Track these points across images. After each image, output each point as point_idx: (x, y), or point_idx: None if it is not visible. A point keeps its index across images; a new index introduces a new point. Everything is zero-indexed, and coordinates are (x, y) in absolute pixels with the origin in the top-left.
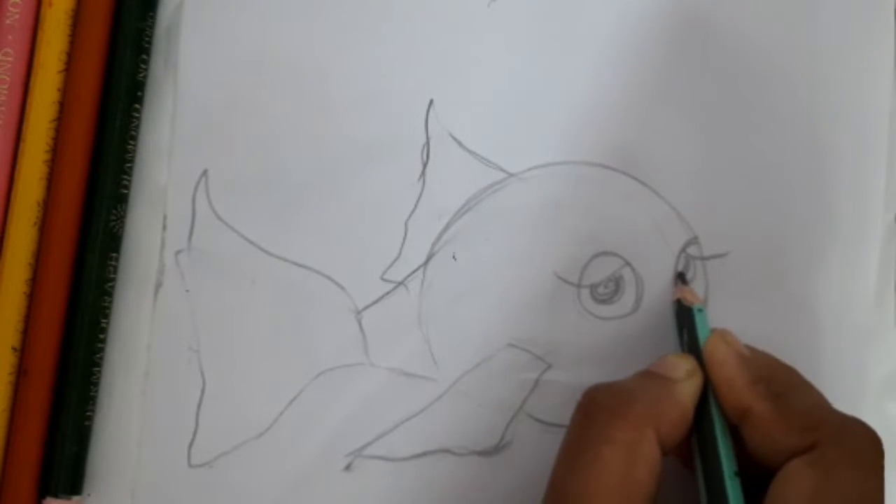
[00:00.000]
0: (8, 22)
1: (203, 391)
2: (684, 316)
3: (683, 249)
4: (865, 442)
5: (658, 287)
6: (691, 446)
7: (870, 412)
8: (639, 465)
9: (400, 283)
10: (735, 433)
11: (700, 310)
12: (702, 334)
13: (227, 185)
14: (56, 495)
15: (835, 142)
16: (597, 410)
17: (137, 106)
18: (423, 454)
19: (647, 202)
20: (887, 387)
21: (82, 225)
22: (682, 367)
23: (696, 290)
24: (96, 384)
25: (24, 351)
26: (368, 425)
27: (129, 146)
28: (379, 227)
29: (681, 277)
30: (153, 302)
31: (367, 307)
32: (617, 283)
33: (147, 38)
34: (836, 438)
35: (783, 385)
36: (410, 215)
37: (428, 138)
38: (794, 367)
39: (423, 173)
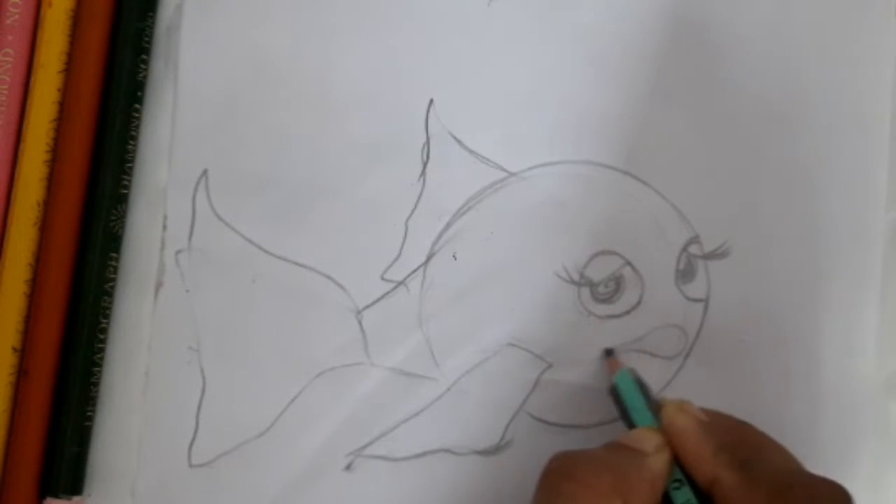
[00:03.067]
0: (8, 22)
1: (203, 391)
2: (615, 393)
3: (684, 248)
4: (839, 501)
5: (659, 286)
6: None
7: (871, 412)
8: None
9: (400, 283)
10: (707, 500)
11: (623, 373)
12: (628, 399)
13: (227, 185)
14: (56, 495)
15: (836, 141)
16: (564, 479)
17: (137, 106)
18: (424, 454)
19: (647, 201)
20: (890, 387)
21: (82, 225)
22: (652, 441)
23: (697, 289)
24: (96, 384)
25: (24, 351)
26: (368, 425)
27: (129, 146)
28: (379, 226)
29: (607, 353)
30: (153, 302)
31: (367, 307)
32: (617, 283)
33: (147, 39)
34: (810, 501)
35: (747, 450)
36: (410, 215)
37: (428, 138)
38: (751, 425)
39: (423, 173)
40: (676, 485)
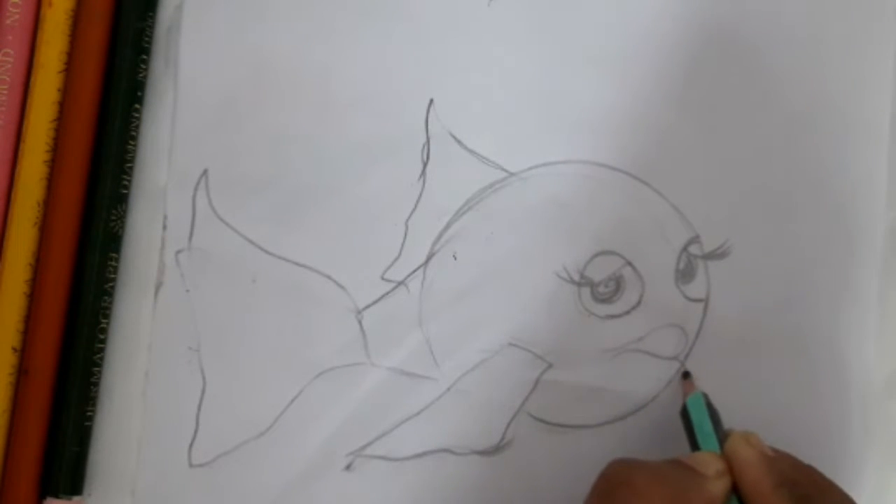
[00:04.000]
0: (8, 22)
1: (203, 391)
2: (686, 414)
3: (685, 248)
4: None
5: (659, 286)
6: None
7: (873, 411)
8: None
9: (400, 283)
10: None
11: (696, 397)
12: (697, 422)
13: (227, 184)
14: (56, 495)
15: (836, 141)
16: (621, 486)
17: (137, 106)
18: (424, 454)
19: (647, 201)
20: (891, 386)
21: (82, 225)
22: (714, 466)
23: (698, 289)
24: (96, 384)
25: (24, 351)
26: (369, 425)
27: (129, 146)
28: (379, 226)
29: (684, 376)
30: (153, 302)
31: (367, 307)
32: (617, 283)
33: (147, 39)
34: None
35: (807, 488)
36: (410, 215)
37: (428, 138)
38: (814, 468)
39: (423, 173)
40: None
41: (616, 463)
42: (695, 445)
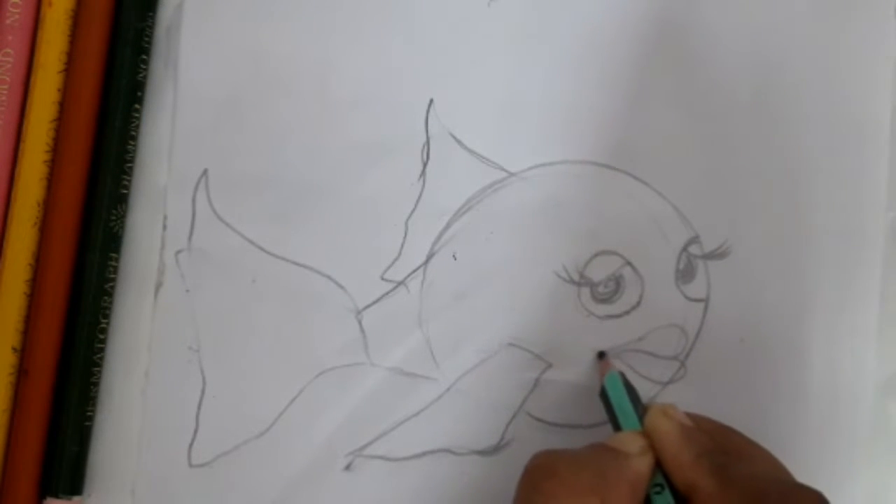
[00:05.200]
0: (8, 22)
1: (203, 391)
2: (604, 395)
3: (684, 248)
4: None
5: (659, 286)
6: None
7: (871, 412)
8: None
9: (400, 283)
10: None
11: (612, 376)
12: (616, 402)
13: (227, 185)
14: (56, 495)
15: (836, 141)
16: (544, 477)
17: (137, 106)
18: (424, 454)
19: (647, 201)
20: (890, 386)
21: (82, 225)
22: (637, 443)
23: (697, 289)
24: (96, 384)
25: (24, 351)
26: (368, 425)
27: (129, 146)
28: (379, 226)
29: (599, 355)
30: (153, 302)
31: (367, 307)
32: (617, 283)
33: (147, 39)
34: None
35: (727, 455)
36: (410, 215)
37: (428, 138)
38: (734, 429)
39: (423, 173)
40: (658, 489)
41: (538, 455)
42: (616, 425)
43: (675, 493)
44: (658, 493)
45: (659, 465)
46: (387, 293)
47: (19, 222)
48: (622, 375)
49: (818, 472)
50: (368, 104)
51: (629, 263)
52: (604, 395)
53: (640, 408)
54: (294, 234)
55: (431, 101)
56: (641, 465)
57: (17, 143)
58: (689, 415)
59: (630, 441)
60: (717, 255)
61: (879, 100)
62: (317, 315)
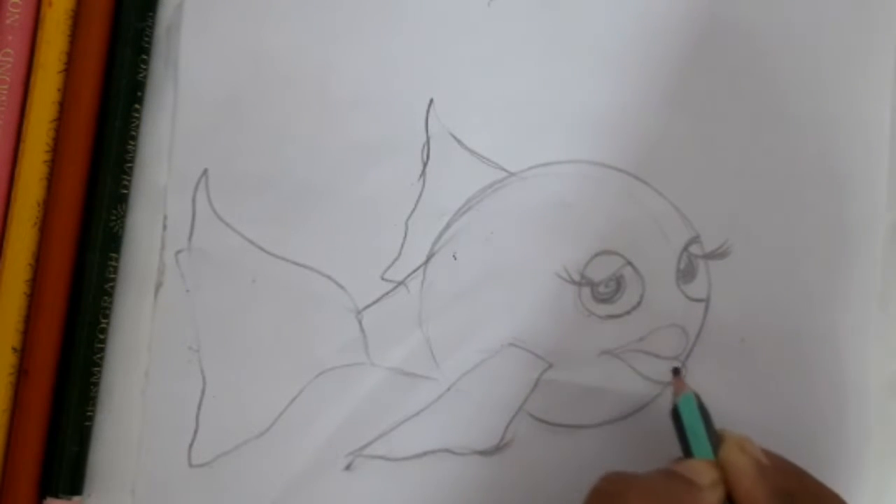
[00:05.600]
0: (8, 22)
1: (203, 391)
2: (677, 415)
3: (685, 248)
4: None
5: (660, 286)
6: None
7: (874, 412)
8: None
9: (400, 283)
10: None
11: (687, 398)
12: (689, 425)
13: (227, 185)
14: (56, 495)
15: (836, 142)
16: (614, 502)
17: (137, 106)
18: (424, 454)
19: (648, 201)
20: (891, 386)
21: (82, 225)
22: (708, 476)
23: (698, 289)
24: (96, 384)
25: (24, 351)
26: (369, 425)
27: (129, 146)
28: (379, 226)
29: (675, 372)
30: (153, 302)
31: (367, 307)
32: (618, 283)
33: (147, 38)
34: None
35: (801, 498)
36: (410, 215)
37: (428, 138)
38: (806, 472)
39: (423, 173)
40: None
41: (609, 478)
42: (686, 448)
43: None
44: None
45: (730, 499)
46: (387, 293)
47: (19, 222)
48: (697, 397)
49: (820, 472)
50: (368, 104)
51: (630, 263)
52: (675, 416)
53: (713, 433)
54: (294, 234)
55: (431, 101)
56: (712, 497)
57: (17, 143)
58: (764, 451)
59: (703, 471)
60: (718, 254)
61: (879, 100)
62: (317, 315)
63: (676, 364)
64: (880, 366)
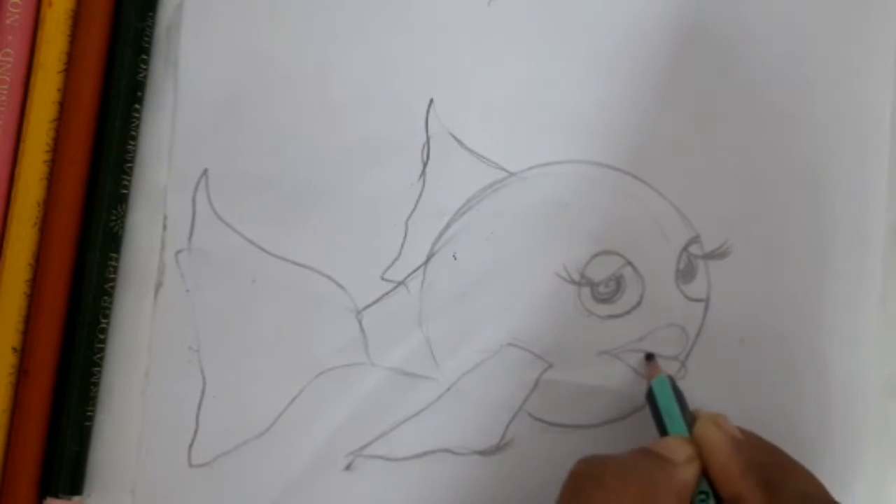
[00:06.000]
0: (8, 22)
1: (203, 391)
2: (651, 397)
3: (685, 248)
4: None
5: (659, 286)
6: None
7: (873, 412)
8: None
9: (400, 283)
10: None
11: (661, 380)
12: (663, 405)
13: (227, 184)
14: (56, 495)
15: (836, 142)
16: (590, 484)
17: (137, 106)
18: (424, 454)
19: (648, 201)
20: (890, 386)
21: (82, 225)
22: (684, 451)
23: (698, 289)
24: (96, 384)
25: (24, 351)
26: (369, 425)
27: (129, 146)
28: (379, 226)
29: (648, 357)
30: (153, 302)
31: (367, 307)
32: (618, 282)
33: (147, 38)
34: None
35: (775, 471)
36: (410, 215)
37: (428, 138)
38: (780, 448)
39: (423, 173)
40: (702, 497)
41: (584, 461)
42: (662, 429)
43: (720, 503)
44: (703, 500)
45: (705, 475)
46: (387, 293)
47: (19, 222)
48: (671, 379)
49: (819, 471)
50: (368, 104)
51: (629, 263)
52: (650, 398)
53: (688, 414)
54: (294, 234)
55: (431, 101)
56: (688, 473)
57: (17, 143)
58: (740, 429)
59: (677, 448)
60: (718, 254)
61: (879, 100)
62: (317, 315)
63: (678, 364)
64: (880, 366)
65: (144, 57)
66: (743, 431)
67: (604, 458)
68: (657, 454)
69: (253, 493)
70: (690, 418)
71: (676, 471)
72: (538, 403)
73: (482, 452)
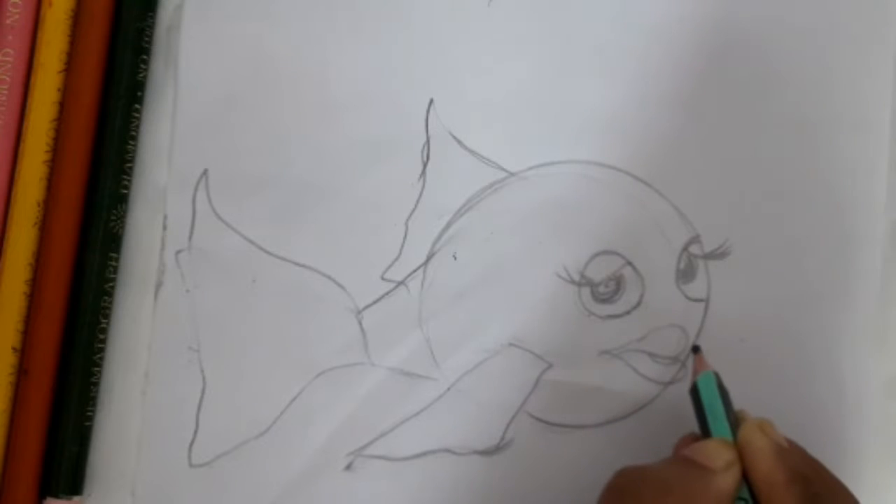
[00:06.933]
0: (8, 22)
1: (203, 391)
2: (698, 392)
3: (685, 248)
4: None
5: (659, 286)
6: None
7: (874, 412)
8: None
9: (400, 283)
10: None
11: (707, 376)
12: (708, 403)
13: (228, 184)
14: (56, 495)
15: (836, 141)
16: (628, 499)
17: (137, 106)
18: (424, 454)
19: (648, 201)
20: (890, 386)
21: (82, 225)
22: (723, 457)
23: (698, 289)
24: (96, 384)
25: (24, 351)
26: (369, 425)
27: (129, 146)
28: (379, 226)
29: (694, 350)
30: (153, 302)
31: (367, 307)
32: (618, 282)
33: (147, 39)
34: None
35: (818, 486)
36: (411, 215)
37: (428, 138)
38: (824, 465)
39: (423, 173)
40: (741, 503)
41: (621, 474)
42: (704, 427)
43: None
44: None
45: (746, 481)
46: (387, 293)
47: (19, 222)
48: (717, 376)
49: None
50: (368, 104)
51: (629, 263)
52: (694, 394)
53: (732, 413)
54: (294, 234)
55: (431, 101)
56: (727, 481)
57: (18, 143)
58: (784, 438)
59: (717, 454)
60: (718, 255)
61: (879, 100)
62: (317, 315)
63: (678, 364)
64: (879, 366)
65: (144, 57)
66: (789, 441)
67: (641, 469)
68: (695, 462)
69: (253, 493)
70: (734, 418)
71: (716, 479)
72: (538, 403)
73: (482, 452)
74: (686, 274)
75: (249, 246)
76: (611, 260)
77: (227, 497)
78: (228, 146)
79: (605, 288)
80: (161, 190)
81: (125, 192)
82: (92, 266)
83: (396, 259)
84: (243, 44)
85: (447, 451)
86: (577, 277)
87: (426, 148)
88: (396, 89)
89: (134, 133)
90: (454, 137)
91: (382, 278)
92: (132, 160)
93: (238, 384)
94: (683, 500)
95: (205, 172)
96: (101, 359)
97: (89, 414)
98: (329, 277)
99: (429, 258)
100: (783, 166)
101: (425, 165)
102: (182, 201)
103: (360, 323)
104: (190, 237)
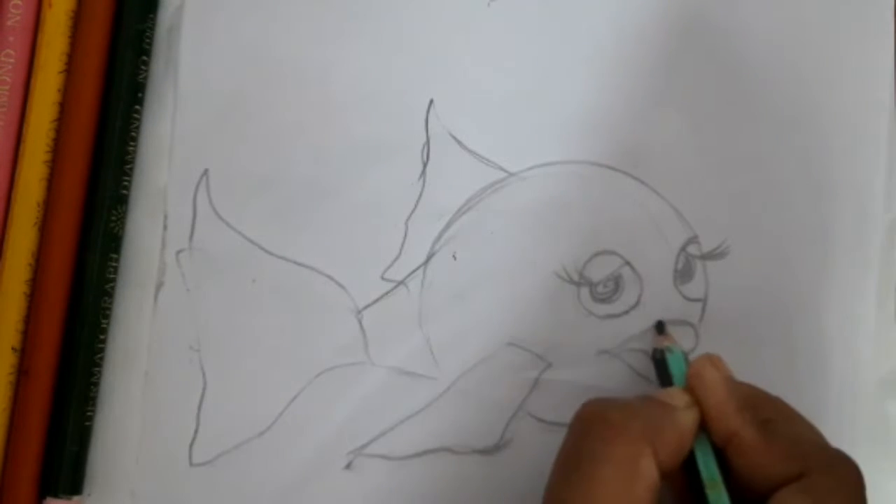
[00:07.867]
0: (9, 23)
1: (204, 391)
2: (661, 362)
3: (683, 248)
4: (854, 474)
5: (658, 286)
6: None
7: (870, 411)
8: (637, 483)
9: (400, 283)
10: (723, 462)
11: (671, 350)
12: (674, 367)
13: (228, 184)
14: (56, 495)
15: (835, 141)
16: (595, 423)
17: (138, 107)
18: (424, 453)
19: (646, 201)
20: (887, 386)
21: (82, 225)
22: (683, 398)
23: (696, 289)
24: (96, 384)
25: (24, 351)
26: (369, 424)
27: (130, 146)
28: (379, 226)
29: (658, 328)
30: (154, 302)
31: (367, 306)
32: (617, 282)
33: (147, 40)
34: (827, 468)
35: (771, 412)
36: (411, 215)
37: (428, 138)
38: (782, 400)
39: (423, 173)
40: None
41: (589, 402)
42: (666, 384)
43: (712, 444)
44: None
45: (703, 422)
46: (387, 293)
47: (19, 222)
48: (686, 355)
49: None
50: (369, 104)
51: (628, 263)
52: (659, 357)
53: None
54: (294, 234)
55: (431, 101)
56: (688, 417)
57: (18, 144)
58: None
59: (677, 396)
60: (716, 255)
61: (877, 100)
62: (317, 315)
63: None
64: (877, 365)
65: (145, 58)
66: (736, 380)
67: (609, 399)
68: (658, 399)
69: (253, 492)
70: None
71: (677, 414)
72: (538, 403)
73: (482, 452)
74: (684, 274)
75: (250, 246)
76: (609, 260)
77: (228, 496)
78: (229, 146)
79: (603, 288)
80: (161, 190)
81: (125, 192)
82: (92, 266)
83: (396, 259)
84: (244, 44)
85: (447, 450)
86: (576, 277)
87: (426, 148)
88: (397, 90)
89: (134, 133)
90: (454, 138)
91: (382, 278)
92: (132, 160)
93: (238, 383)
94: (648, 426)
95: (205, 172)
96: (101, 359)
97: (89, 414)
98: (329, 277)
99: (429, 258)
100: (781, 166)
101: (425, 165)
102: (182, 201)
103: (360, 322)
104: (190, 237)
